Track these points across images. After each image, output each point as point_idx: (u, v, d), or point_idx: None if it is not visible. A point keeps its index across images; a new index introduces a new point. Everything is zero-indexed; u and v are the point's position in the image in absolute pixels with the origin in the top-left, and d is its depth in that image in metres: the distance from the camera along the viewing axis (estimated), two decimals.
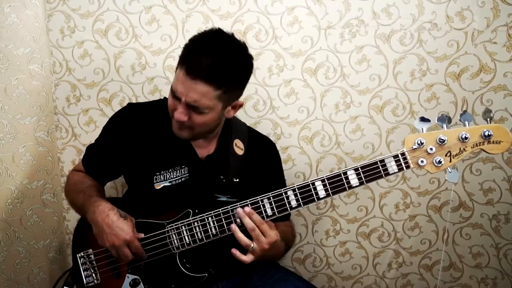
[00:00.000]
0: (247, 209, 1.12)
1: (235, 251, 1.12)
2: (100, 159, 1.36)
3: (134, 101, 1.62)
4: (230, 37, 1.16)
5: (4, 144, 1.52)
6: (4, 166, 1.53)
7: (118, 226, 1.14)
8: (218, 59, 1.10)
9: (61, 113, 1.65)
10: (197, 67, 1.08)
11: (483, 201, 1.52)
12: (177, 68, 1.16)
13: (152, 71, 1.59)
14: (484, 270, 1.56)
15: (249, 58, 1.20)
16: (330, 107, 1.56)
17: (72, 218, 1.72)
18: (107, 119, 1.37)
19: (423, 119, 1.06)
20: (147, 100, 1.60)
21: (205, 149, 1.32)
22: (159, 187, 1.27)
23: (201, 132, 1.24)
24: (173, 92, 1.15)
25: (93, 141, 1.40)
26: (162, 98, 1.41)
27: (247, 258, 1.12)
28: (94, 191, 1.28)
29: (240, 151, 1.32)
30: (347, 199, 1.62)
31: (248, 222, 1.11)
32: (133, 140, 1.30)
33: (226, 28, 1.49)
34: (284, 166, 1.60)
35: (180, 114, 1.15)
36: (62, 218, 1.73)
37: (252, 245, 1.11)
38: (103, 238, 1.15)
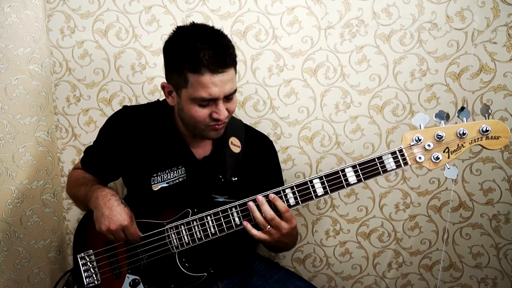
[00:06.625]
0: (272, 195, 1.11)
1: (246, 224, 1.13)
2: (98, 161, 1.36)
3: (134, 101, 1.62)
4: (197, 24, 1.19)
5: (4, 144, 1.53)
6: (4, 166, 1.53)
7: (117, 211, 1.15)
8: (220, 44, 1.12)
9: (61, 113, 1.65)
10: (217, 59, 1.09)
11: (483, 201, 1.52)
12: (185, 77, 1.12)
13: (152, 71, 1.59)
14: (484, 270, 1.56)
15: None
16: (330, 107, 1.55)
17: (72, 218, 1.72)
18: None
19: (421, 116, 1.06)
20: (147, 100, 1.60)
21: (201, 149, 1.32)
22: (157, 188, 1.27)
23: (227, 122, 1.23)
24: (203, 101, 1.13)
25: (92, 142, 1.41)
26: (158, 99, 1.41)
27: (259, 234, 1.12)
28: (96, 182, 1.30)
29: (236, 149, 1.32)
30: (347, 199, 1.62)
31: (267, 210, 1.10)
32: (129, 143, 1.30)
33: (226, 28, 1.51)
34: (284, 166, 1.61)
35: (223, 113, 1.16)
36: (62, 218, 1.73)
37: (268, 227, 1.11)
38: (100, 221, 1.16)
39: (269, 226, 1.11)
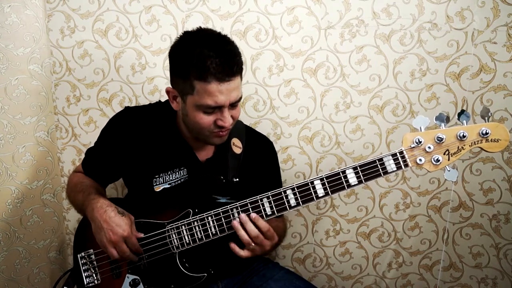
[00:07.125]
0: (253, 215, 1.11)
1: (233, 246, 1.13)
2: (99, 162, 1.36)
3: (134, 101, 1.62)
4: (204, 29, 1.18)
5: (4, 144, 1.53)
6: (4, 166, 1.54)
7: (115, 222, 1.15)
8: (227, 51, 1.11)
9: (61, 113, 1.65)
10: (224, 68, 1.08)
11: (483, 201, 1.52)
12: (191, 84, 1.11)
13: (152, 71, 1.59)
14: (484, 270, 1.56)
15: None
16: (330, 107, 1.55)
17: (72, 218, 1.72)
18: (107, 119, 1.37)
19: (421, 118, 1.07)
20: (147, 100, 1.60)
21: (204, 152, 1.32)
22: (159, 189, 1.27)
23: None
24: (209, 108, 1.13)
25: (93, 142, 1.40)
26: (160, 100, 1.41)
27: (244, 253, 1.13)
28: (93, 190, 1.29)
29: (238, 150, 1.32)
30: (347, 199, 1.62)
31: (252, 229, 1.11)
32: (131, 144, 1.30)
33: (226, 28, 1.51)
34: (284, 166, 1.61)
35: (228, 120, 1.16)
36: (62, 218, 1.73)
37: (252, 245, 1.12)
38: (100, 234, 1.15)
39: (253, 244, 1.12)
